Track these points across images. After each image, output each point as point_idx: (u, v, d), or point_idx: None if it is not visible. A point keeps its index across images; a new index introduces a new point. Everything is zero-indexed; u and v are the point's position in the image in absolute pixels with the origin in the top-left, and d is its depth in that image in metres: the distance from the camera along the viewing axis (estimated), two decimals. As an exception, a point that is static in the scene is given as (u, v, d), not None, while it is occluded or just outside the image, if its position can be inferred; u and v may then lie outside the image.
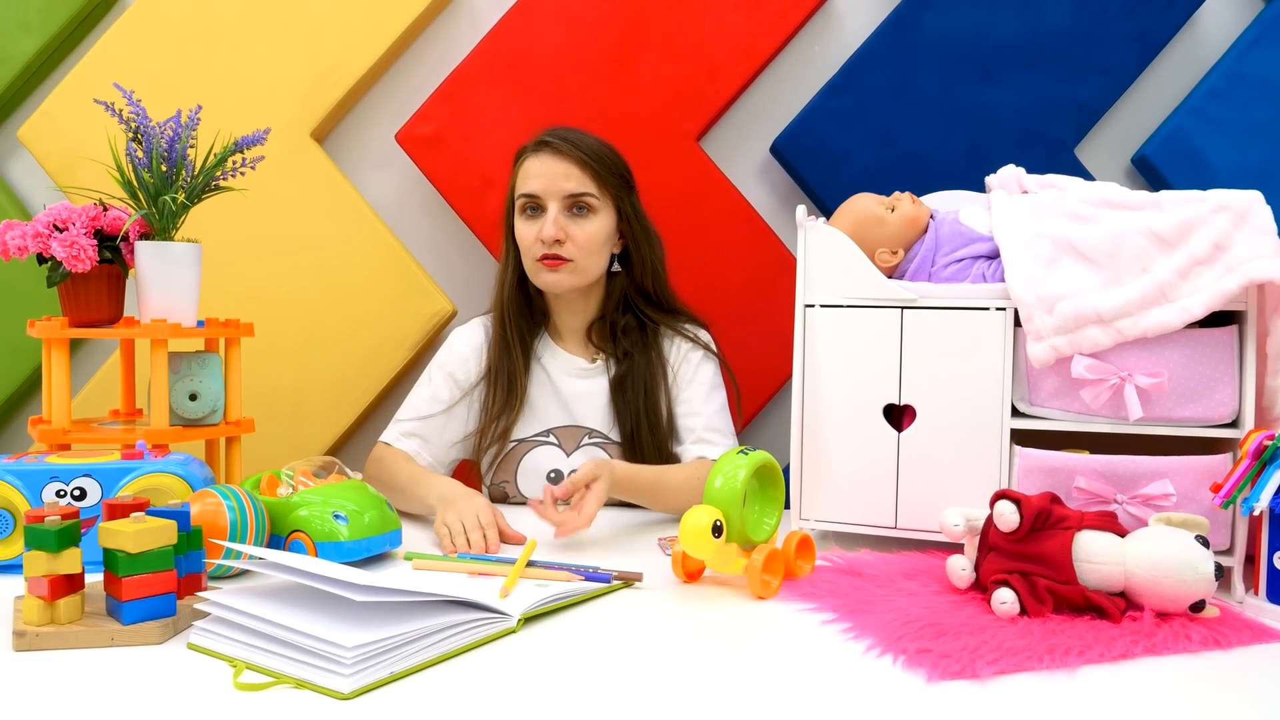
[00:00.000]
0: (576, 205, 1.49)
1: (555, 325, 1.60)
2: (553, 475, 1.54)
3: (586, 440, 1.54)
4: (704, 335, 1.59)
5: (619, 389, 1.53)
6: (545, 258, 1.49)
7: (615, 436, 1.54)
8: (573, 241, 1.48)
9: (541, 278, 1.51)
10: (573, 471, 1.31)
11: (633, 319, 1.57)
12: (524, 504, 1.50)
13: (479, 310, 1.70)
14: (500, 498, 1.59)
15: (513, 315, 1.56)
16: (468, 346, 1.60)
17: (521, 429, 1.56)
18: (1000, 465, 1.22)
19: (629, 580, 1.12)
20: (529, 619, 0.98)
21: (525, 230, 1.51)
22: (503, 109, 1.89)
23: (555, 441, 1.55)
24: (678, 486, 1.43)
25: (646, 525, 1.42)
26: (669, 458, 1.53)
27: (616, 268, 1.58)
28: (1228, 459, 1.14)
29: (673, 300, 1.61)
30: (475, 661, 0.88)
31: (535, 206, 1.50)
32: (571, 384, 1.56)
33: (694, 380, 1.55)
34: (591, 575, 1.11)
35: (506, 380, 1.54)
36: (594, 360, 1.57)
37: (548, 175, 1.48)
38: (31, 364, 1.96)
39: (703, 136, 1.93)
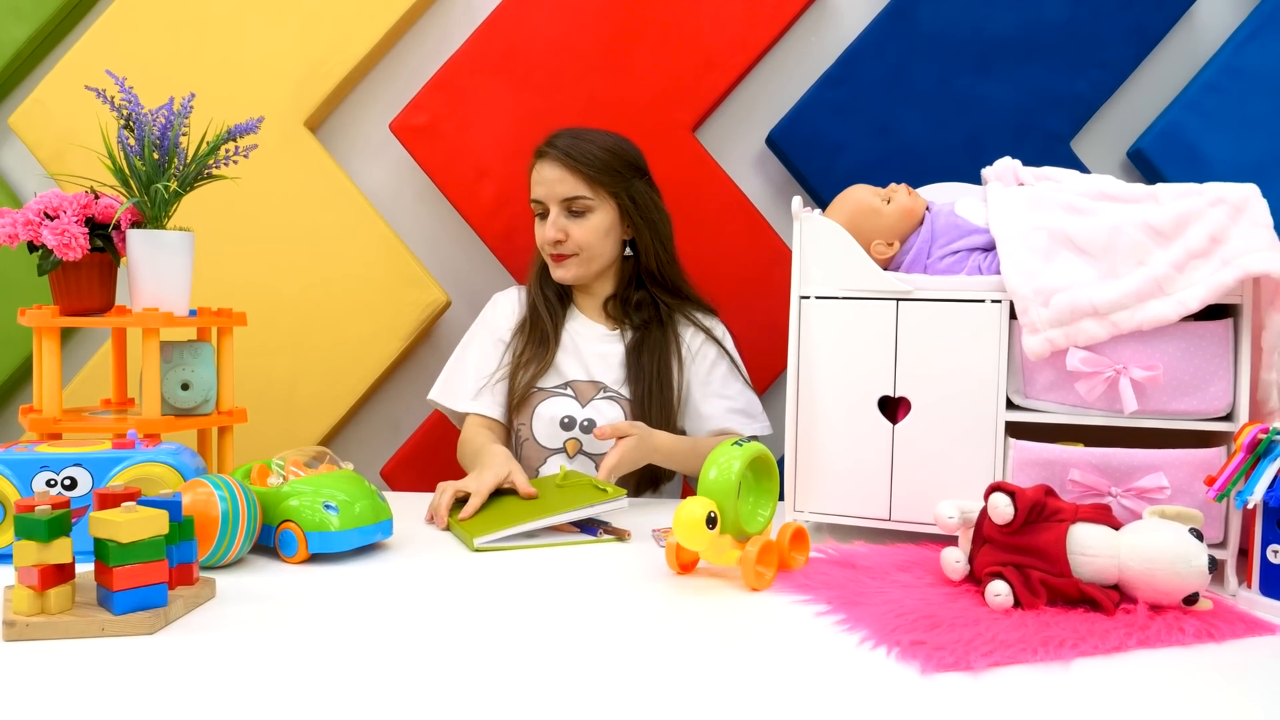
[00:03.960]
0: (572, 209, 1.62)
1: (577, 301, 1.73)
2: (565, 420, 1.61)
3: (601, 394, 1.63)
4: (718, 330, 1.70)
5: (636, 352, 1.64)
6: (553, 255, 1.64)
7: (627, 394, 1.63)
8: (572, 239, 1.62)
9: (554, 273, 1.66)
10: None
11: (646, 295, 1.69)
12: (543, 449, 1.62)
13: (474, 300, 1.74)
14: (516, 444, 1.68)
15: (542, 292, 1.71)
16: (506, 308, 1.74)
17: (543, 382, 1.66)
18: (995, 458, 1.22)
19: (619, 535, 1.23)
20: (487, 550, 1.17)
21: (538, 231, 1.66)
22: (497, 99, 1.89)
23: (572, 394, 1.64)
24: (685, 461, 1.56)
25: (642, 516, 1.41)
26: (672, 426, 1.62)
27: (630, 252, 1.70)
28: (1222, 452, 1.14)
29: (679, 282, 1.71)
30: (462, 647, 0.88)
31: (542, 212, 1.64)
32: (591, 346, 1.67)
33: (712, 372, 1.66)
34: (584, 528, 1.28)
35: (540, 335, 1.67)
36: (613, 329, 1.69)
37: (546, 182, 1.62)
38: (22, 353, 1.95)
39: (698, 127, 1.93)
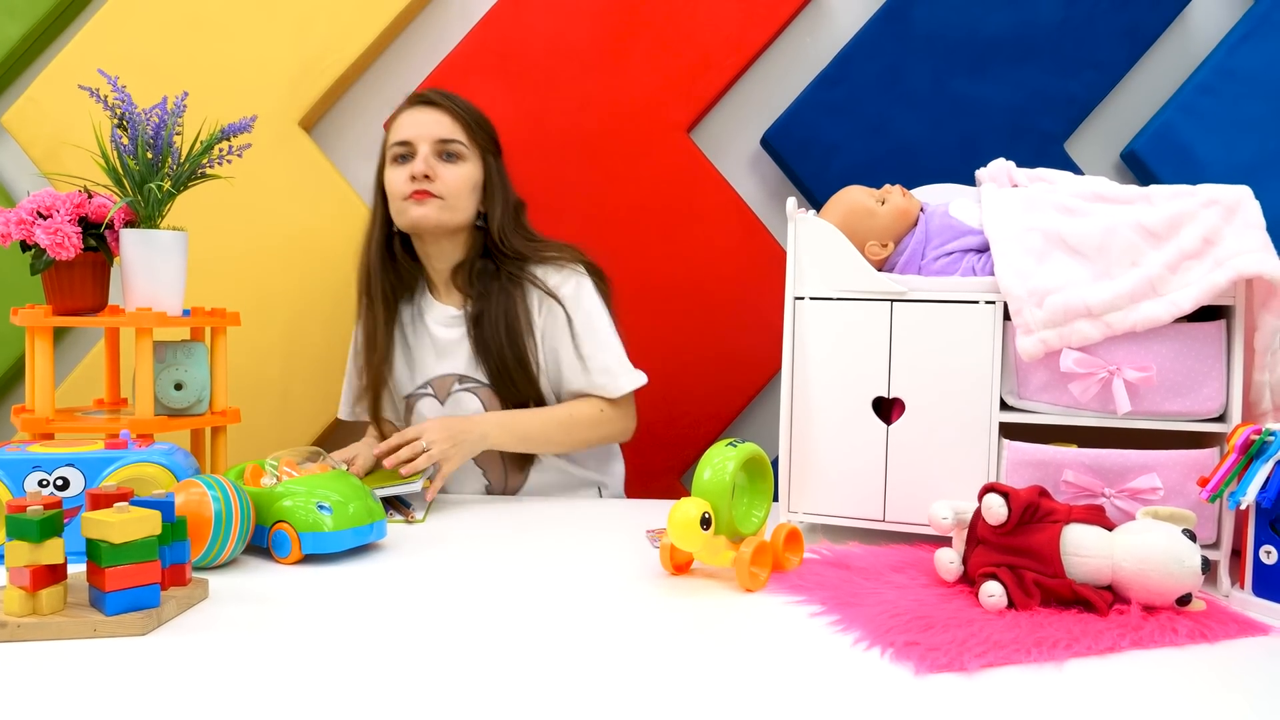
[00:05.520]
0: (446, 152, 1.55)
1: (429, 277, 1.64)
2: None
3: (456, 387, 1.59)
4: (566, 287, 1.58)
5: (477, 326, 1.57)
6: (414, 194, 1.53)
7: (483, 378, 1.57)
8: (441, 180, 1.54)
9: (409, 214, 1.54)
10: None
11: (490, 264, 1.60)
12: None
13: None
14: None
15: (376, 273, 1.62)
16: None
17: (407, 383, 1.63)
18: (989, 458, 1.22)
19: (407, 518, 1.36)
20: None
21: (396, 175, 1.55)
22: (492, 99, 1.88)
23: (431, 392, 1.61)
24: (555, 438, 1.55)
25: (634, 516, 1.41)
26: (540, 397, 1.57)
27: (482, 223, 1.61)
28: (1215, 453, 1.14)
29: (526, 248, 1.60)
30: (456, 647, 0.88)
31: (407, 154, 1.56)
32: (443, 333, 1.61)
33: (560, 338, 1.57)
34: (389, 504, 1.41)
35: (366, 337, 1.62)
36: (459, 309, 1.61)
37: (420, 124, 1.55)
38: (15, 353, 1.95)
39: (693, 128, 1.93)
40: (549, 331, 1.57)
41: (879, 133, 1.86)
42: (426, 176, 1.52)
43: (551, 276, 1.58)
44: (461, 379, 1.58)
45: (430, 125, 1.55)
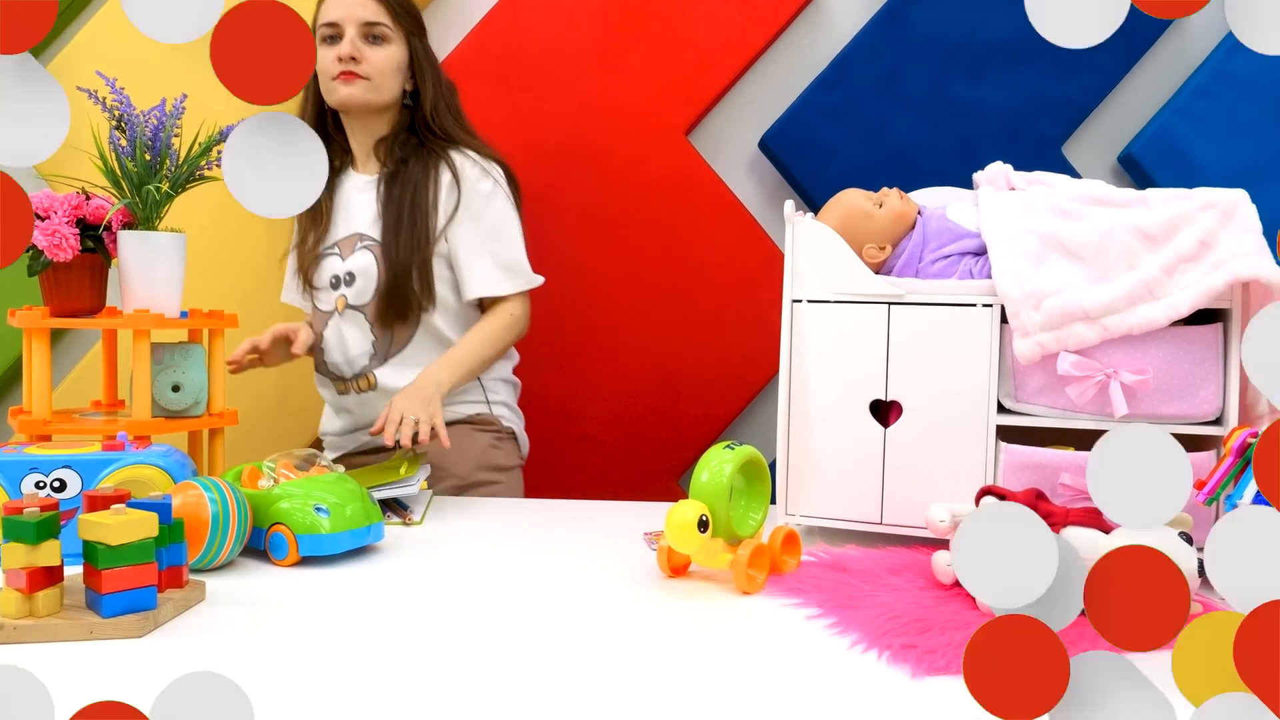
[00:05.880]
0: (372, 34, 1.62)
1: (353, 151, 1.72)
2: (333, 280, 1.66)
3: (358, 245, 1.65)
4: (485, 185, 1.64)
5: (388, 185, 1.64)
6: (342, 74, 1.61)
7: (379, 236, 1.63)
8: (368, 62, 1.61)
9: (338, 93, 1.63)
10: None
11: (413, 138, 1.67)
12: (323, 313, 1.67)
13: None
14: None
15: None
16: None
17: (319, 248, 1.70)
18: (986, 461, 1.22)
19: (405, 520, 1.36)
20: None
21: (324, 55, 1.62)
22: (491, 101, 1.89)
23: (337, 251, 1.67)
24: (489, 354, 1.63)
25: (632, 518, 1.41)
26: (424, 265, 1.61)
27: (408, 102, 1.69)
28: (1211, 456, 1.14)
29: (457, 132, 1.68)
30: (453, 650, 0.88)
31: (334, 35, 1.62)
32: (357, 197, 1.68)
33: (482, 215, 1.64)
34: (386, 506, 1.39)
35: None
36: (377, 174, 1.68)
37: (347, 6, 1.61)
38: (12, 354, 1.95)
39: (691, 131, 1.93)
40: (448, 215, 1.63)
41: (877, 136, 1.86)
42: (353, 58, 1.59)
43: (470, 169, 1.64)
44: (362, 237, 1.65)
45: (356, 8, 1.61)
